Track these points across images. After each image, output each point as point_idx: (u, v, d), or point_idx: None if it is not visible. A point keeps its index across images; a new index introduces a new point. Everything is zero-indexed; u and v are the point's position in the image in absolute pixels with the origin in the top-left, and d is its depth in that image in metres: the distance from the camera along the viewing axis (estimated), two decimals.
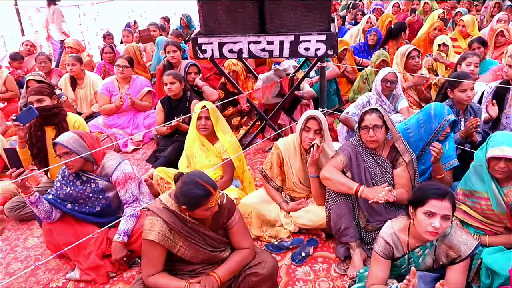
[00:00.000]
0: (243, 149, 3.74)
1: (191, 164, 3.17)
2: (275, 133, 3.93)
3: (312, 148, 2.61)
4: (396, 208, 2.56)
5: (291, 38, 3.10)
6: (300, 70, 4.23)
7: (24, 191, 2.44)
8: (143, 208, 2.66)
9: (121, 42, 7.50)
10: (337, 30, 3.22)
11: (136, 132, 4.64)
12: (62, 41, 7.20)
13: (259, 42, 3.17)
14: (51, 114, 3.07)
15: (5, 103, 5.36)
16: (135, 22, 8.24)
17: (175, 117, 3.88)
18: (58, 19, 7.40)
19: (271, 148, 3.17)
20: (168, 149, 3.82)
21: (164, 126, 3.89)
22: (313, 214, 2.74)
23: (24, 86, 4.30)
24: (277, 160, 2.88)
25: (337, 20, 7.34)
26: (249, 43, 3.19)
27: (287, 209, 2.85)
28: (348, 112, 3.66)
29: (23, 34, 8.06)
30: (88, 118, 4.90)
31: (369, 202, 2.33)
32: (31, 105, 2.85)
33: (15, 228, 3.21)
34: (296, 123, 2.93)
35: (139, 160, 4.28)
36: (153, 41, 6.66)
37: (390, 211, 2.54)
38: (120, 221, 2.60)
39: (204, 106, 3.01)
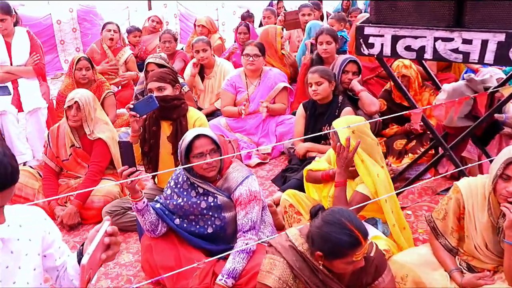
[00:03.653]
0: (406, 185, 3.67)
1: (322, 193, 3.22)
2: (455, 170, 3.76)
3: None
4: None
5: (501, 37, 2.96)
6: (507, 84, 3.99)
7: (133, 195, 2.70)
8: (261, 241, 2.76)
9: (260, 24, 7.98)
10: None
11: (264, 142, 4.85)
12: None
13: (451, 40, 3.08)
14: (171, 107, 3.42)
15: (119, 87, 6.16)
16: (280, 0, 8.64)
17: (321, 129, 3.99)
18: None
19: (447, 190, 3.05)
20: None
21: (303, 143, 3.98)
22: None
23: (144, 70, 4.89)
24: (456, 208, 2.76)
25: None
26: (435, 39, 3.12)
27: (461, 283, 2.70)
28: None
29: (150, 8, 9.12)
30: (209, 116, 5.29)
31: None
32: (151, 94, 3.22)
33: None
34: (490, 161, 2.77)
35: (263, 178, 4.48)
36: (301, 27, 6.93)
37: None
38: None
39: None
